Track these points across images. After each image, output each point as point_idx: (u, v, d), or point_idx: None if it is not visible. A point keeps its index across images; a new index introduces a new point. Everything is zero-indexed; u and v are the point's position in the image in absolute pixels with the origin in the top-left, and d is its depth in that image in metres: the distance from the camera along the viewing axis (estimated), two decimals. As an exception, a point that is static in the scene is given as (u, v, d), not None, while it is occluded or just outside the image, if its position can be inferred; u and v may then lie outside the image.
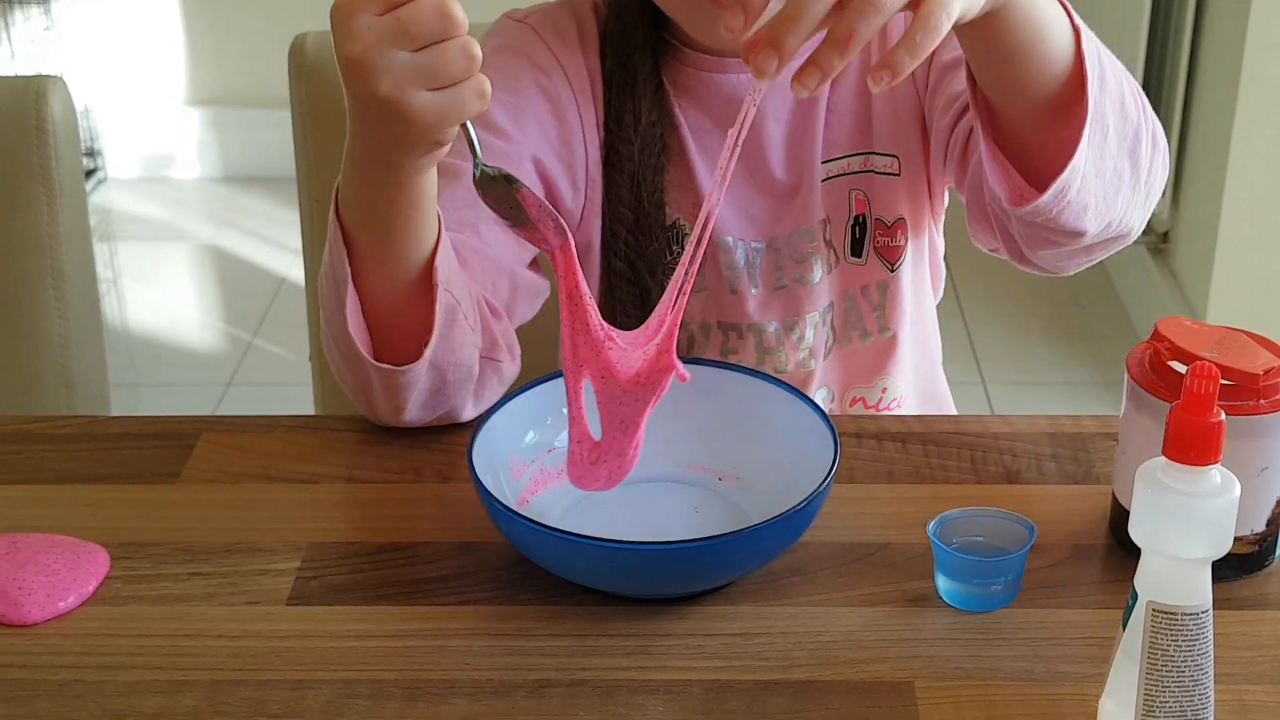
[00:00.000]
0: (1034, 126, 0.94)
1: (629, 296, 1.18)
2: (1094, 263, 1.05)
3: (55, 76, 1.33)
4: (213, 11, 3.50)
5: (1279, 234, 2.53)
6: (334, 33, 0.86)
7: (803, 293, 1.19)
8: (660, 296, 1.17)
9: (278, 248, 3.31)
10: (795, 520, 0.89)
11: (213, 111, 3.58)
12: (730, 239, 1.18)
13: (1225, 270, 2.58)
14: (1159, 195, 1.03)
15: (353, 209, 0.97)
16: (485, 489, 0.90)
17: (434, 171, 0.95)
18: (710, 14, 1.09)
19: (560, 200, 1.16)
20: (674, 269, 1.18)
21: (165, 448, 1.06)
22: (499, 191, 0.90)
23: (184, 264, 3.37)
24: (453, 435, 1.07)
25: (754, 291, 1.19)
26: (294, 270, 3.19)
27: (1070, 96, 0.92)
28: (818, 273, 1.18)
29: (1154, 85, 2.80)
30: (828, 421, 0.96)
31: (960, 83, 1.11)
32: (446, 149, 0.91)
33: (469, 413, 1.07)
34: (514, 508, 0.92)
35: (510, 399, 0.99)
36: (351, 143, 0.93)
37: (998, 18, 0.87)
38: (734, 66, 1.16)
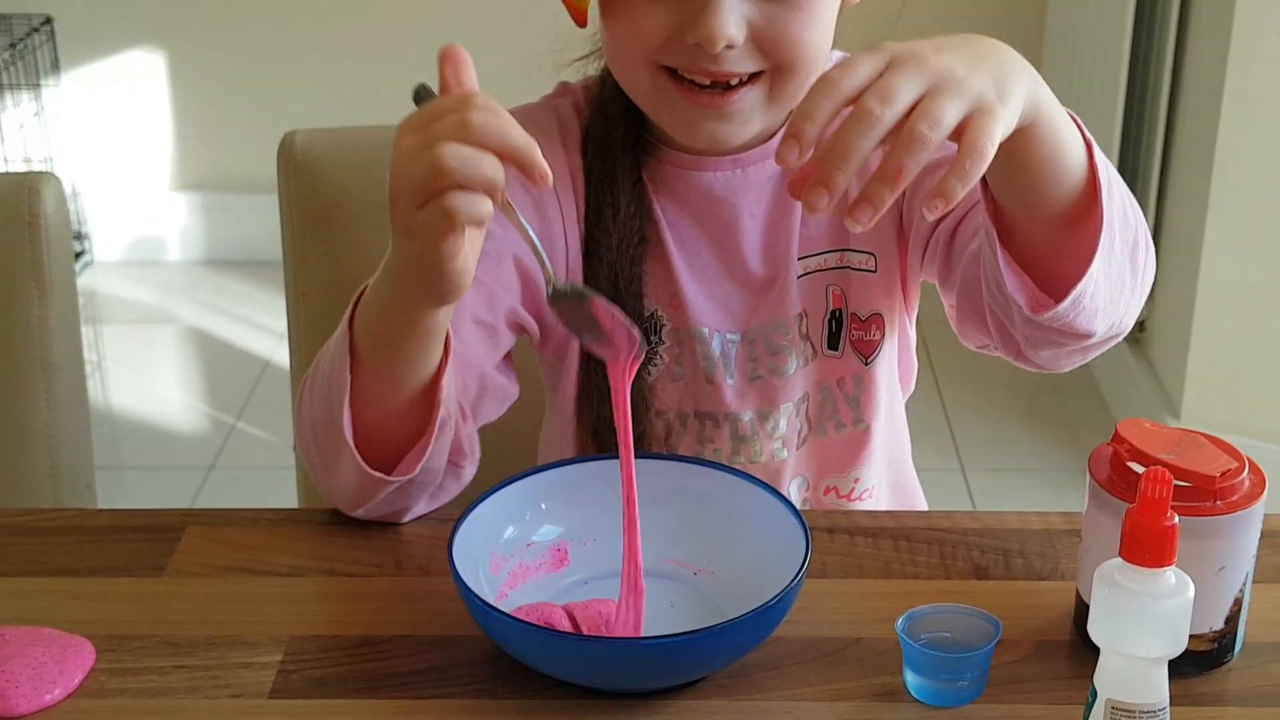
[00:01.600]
0: (1048, 237, 0.98)
1: (606, 385, 1.20)
2: (1088, 360, 1.09)
3: (48, 173, 1.36)
4: (199, 97, 3.55)
5: (1252, 323, 2.56)
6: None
7: (778, 383, 1.22)
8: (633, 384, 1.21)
9: (262, 331, 3.33)
10: (768, 616, 0.91)
11: (199, 196, 3.61)
12: (706, 330, 1.21)
13: (1200, 359, 2.61)
14: (1148, 293, 1.07)
15: (370, 330, 1.00)
16: (464, 584, 0.92)
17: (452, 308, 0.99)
18: (687, 118, 1.13)
19: (538, 293, 1.20)
20: (649, 358, 1.21)
21: (151, 540, 1.08)
22: (572, 308, 0.93)
23: (168, 347, 3.38)
24: (433, 529, 1.09)
25: (730, 381, 1.22)
26: (278, 354, 3.21)
27: (1083, 208, 0.95)
28: (793, 364, 1.21)
29: (1129, 177, 2.86)
30: (799, 517, 0.98)
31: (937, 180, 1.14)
32: (472, 262, 0.94)
33: (419, 511, 1.11)
34: (493, 603, 0.94)
35: (490, 494, 1.01)
36: (386, 278, 0.97)
37: (1024, 135, 0.90)
38: (711, 165, 1.19)
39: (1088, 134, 0.96)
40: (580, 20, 1.14)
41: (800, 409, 1.23)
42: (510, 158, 0.88)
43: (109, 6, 3.45)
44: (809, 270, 1.21)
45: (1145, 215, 3.08)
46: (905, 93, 0.82)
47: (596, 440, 1.22)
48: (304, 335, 1.46)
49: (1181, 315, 2.64)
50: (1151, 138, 2.77)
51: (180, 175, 3.63)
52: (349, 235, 1.43)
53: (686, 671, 0.93)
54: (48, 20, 3.36)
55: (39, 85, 3.37)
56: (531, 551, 1.03)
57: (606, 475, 1.05)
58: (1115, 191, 0.97)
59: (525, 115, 1.23)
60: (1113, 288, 0.99)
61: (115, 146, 3.58)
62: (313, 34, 3.44)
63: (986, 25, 3.26)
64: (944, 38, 0.87)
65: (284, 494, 1.10)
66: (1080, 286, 0.96)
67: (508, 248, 1.16)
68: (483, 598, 0.92)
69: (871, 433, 1.24)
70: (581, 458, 1.08)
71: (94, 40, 3.48)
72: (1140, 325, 2.90)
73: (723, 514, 1.03)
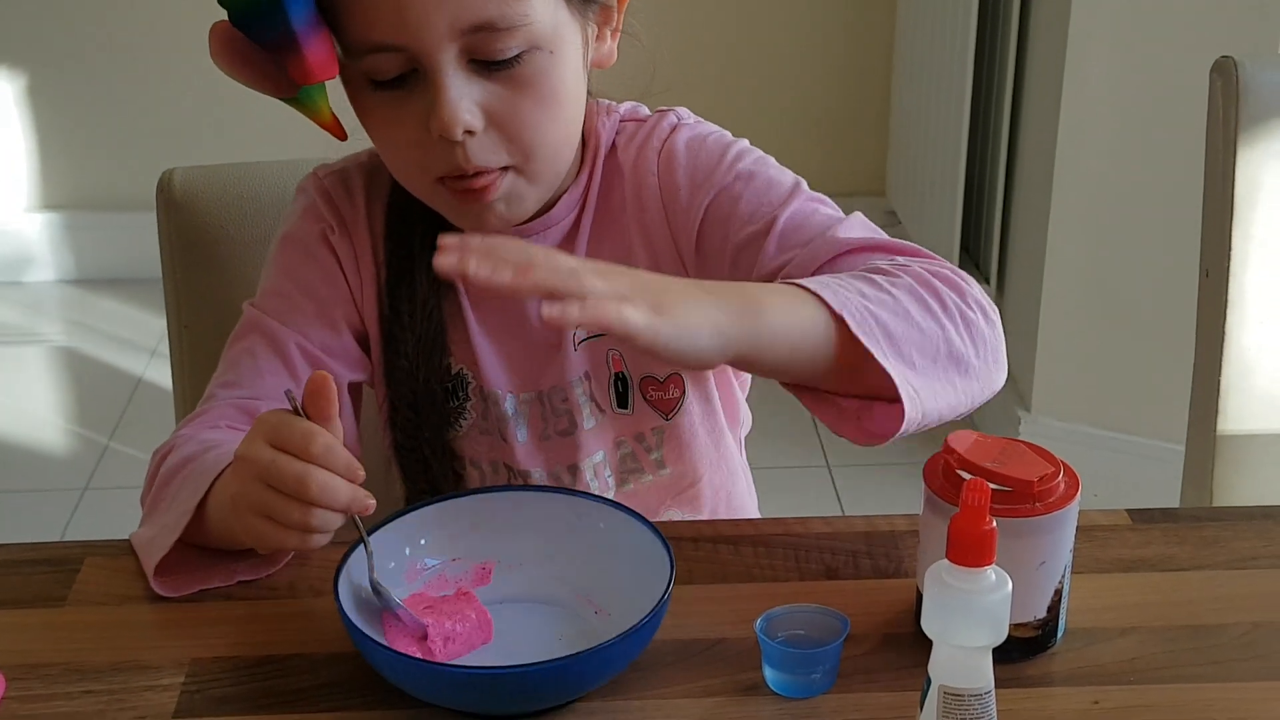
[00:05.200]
0: (839, 383, 1.07)
1: (409, 439, 1.27)
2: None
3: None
4: (60, 116, 3.54)
5: (1097, 318, 2.67)
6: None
7: (567, 443, 1.27)
8: (436, 437, 1.26)
9: (133, 349, 3.33)
10: (637, 637, 0.98)
11: (64, 215, 3.61)
12: (499, 390, 1.27)
13: (1048, 354, 2.73)
14: (1001, 352, 1.14)
15: (215, 521, 1.08)
16: (347, 616, 0.98)
17: None
18: (464, 212, 1.18)
19: (346, 352, 1.25)
20: (454, 415, 1.27)
21: (52, 572, 1.13)
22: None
23: (38, 368, 3.38)
24: (324, 552, 1.14)
25: (521, 440, 1.27)
26: (150, 371, 3.22)
27: (859, 355, 1.03)
28: (589, 423, 1.27)
29: (976, 181, 2.98)
30: (663, 540, 1.04)
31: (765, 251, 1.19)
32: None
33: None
34: (378, 629, 1.01)
35: (373, 532, 1.06)
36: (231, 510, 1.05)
37: (743, 361, 1.02)
38: (496, 235, 1.24)
39: (835, 304, 1.02)
40: (338, 134, 1.18)
41: (606, 463, 1.28)
42: (341, 509, 1.00)
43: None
44: (590, 335, 1.26)
45: (992, 217, 3.17)
46: (566, 266, 0.96)
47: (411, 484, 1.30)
48: (188, 367, 1.51)
49: (1029, 311, 2.75)
50: (997, 140, 2.89)
51: (42, 196, 3.61)
52: (229, 268, 1.49)
53: (567, 693, 0.99)
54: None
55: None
56: (419, 579, 1.09)
57: (481, 508, 1.12)
58: (895, 325, 1.04)
59: (339, 175, 1.28)
60: (946, 400, 1.07)
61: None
62: (179, 54, 3.46)
63: (839, 30, 3.36)
64: (654, 280, 1.02)
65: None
66: (905, 425, 1.05)
67: (310, 307, 1.24)
68: (367, 633, 0.98)
69: (681, 476, 1.30)
70: (458, 494, 1.13)
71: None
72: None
73: (594, 540, 1.09)
